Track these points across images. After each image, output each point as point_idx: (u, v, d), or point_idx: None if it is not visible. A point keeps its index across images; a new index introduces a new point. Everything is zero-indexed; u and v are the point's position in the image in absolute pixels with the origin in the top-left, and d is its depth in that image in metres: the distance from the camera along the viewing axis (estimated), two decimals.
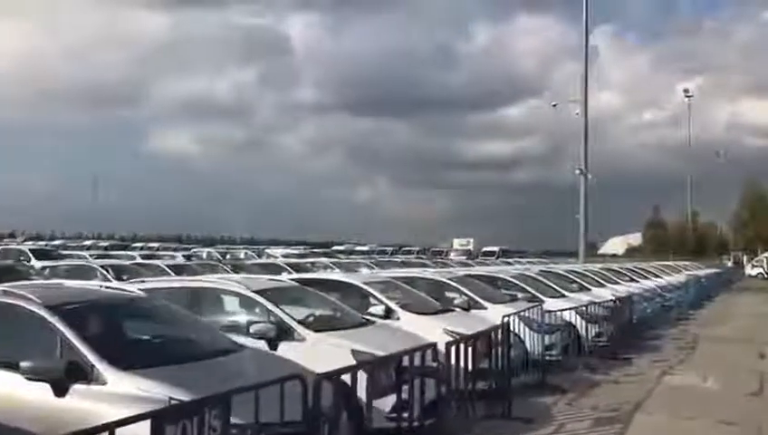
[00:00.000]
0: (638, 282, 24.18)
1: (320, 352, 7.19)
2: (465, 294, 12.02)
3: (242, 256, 39.18)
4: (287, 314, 7.83)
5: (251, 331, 7.46)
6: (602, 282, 20.44)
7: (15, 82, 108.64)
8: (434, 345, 7.21)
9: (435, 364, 7.08)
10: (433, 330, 9.11)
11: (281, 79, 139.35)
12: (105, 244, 56.58)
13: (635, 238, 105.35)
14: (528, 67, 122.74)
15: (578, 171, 47.96)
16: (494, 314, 10.96)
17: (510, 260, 46.61)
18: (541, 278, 16.46)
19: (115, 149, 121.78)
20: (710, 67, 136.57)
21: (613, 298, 15.72)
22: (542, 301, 14.07)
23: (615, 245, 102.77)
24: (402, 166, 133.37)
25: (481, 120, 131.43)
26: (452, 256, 62.67)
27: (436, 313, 10.41)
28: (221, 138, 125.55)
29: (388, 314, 9.68)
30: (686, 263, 42.27)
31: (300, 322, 7.86)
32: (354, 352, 7.22)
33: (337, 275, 14.39)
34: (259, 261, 28.61)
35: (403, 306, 9.99)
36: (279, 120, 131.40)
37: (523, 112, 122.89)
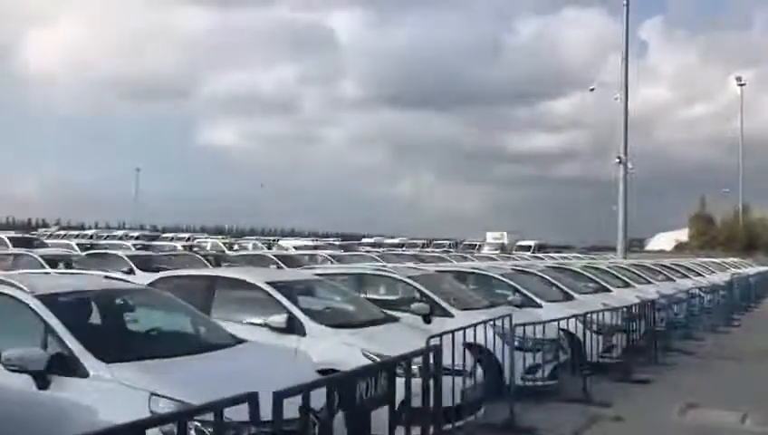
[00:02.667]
0: (674, 281, 21.06)
1: None
2: (428, 298, 9.27)
3: (250, 246, 36.97)
4: None
5: None
6: (629, 281, 17.44)
7: (72, 77, 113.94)
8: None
9: None
10: (337, 348, 6.52)
11: (325, 73, 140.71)
12: (136, 234, 56.88)
13: (684, 234, 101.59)
14: (573, 60, 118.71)
15: (617, 160, 45.11)
16: (453, 324, 8.21)
17: (540, 255, 43.90)
18: (547, 277, 13.59)
19: (164, 142, 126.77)
20: (762, 60, 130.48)
21: (634, 302, 12.81)
22: (538, 306, 11.32)
23: (663, 240, 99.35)
24: (445, 160, 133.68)
25: (525, 114, 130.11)
26: (485, 250, 60.36)
27: (355, 326, 7.63)
28: (266, 132, 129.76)
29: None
30: (734, 260, 38.62)
31: None
32: None
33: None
34: (244, 253, 26.34)
35: (310, 314, 7.28)
36: (323, 114, 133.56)
37: (569, 106, 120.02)
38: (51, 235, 67.26)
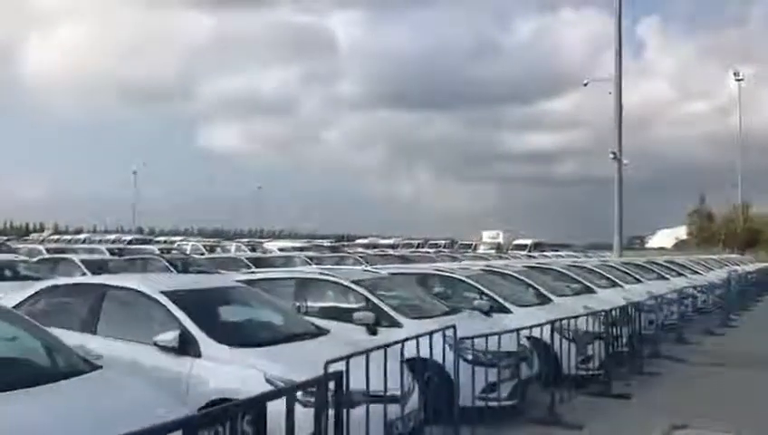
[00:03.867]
0: (667, 280, 19.86)
1: None
2: (373, 305, 8.08)
3: (233, 248, 35.73)
4: None
5: None
6: (617, 281, 16.26)
7: (72, 80, 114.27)
8: None
9: None
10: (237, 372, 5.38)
11: (324, 75, 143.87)
12: (129, 238, 56.64)
13: (684, 231, 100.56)
14: (571, 59, 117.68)
15: (611, 156, 44.01)
16: (401, 335, 7.03)
17: (534, 254, 42.82)
18: (523, 278, 12.40)
19: (164, 145, 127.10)
20: (760, 57, 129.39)
21: (619, 304, 11.63)
22: (508, 311, 10.14)
23: (663, 238, 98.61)
24: (445, 160, 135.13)
25: (523, 113, 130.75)
26: (480, 249, 59.45)
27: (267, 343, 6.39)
28: (266, 133, 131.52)
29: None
30: (733, 256, 37.42)
31: None
32: None
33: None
34: (214, 256, 25.12)
35: (210, 330, 6.07)
36: (322, 115, 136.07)
37: (567, 105, 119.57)
38: (44, 239, 67.04)
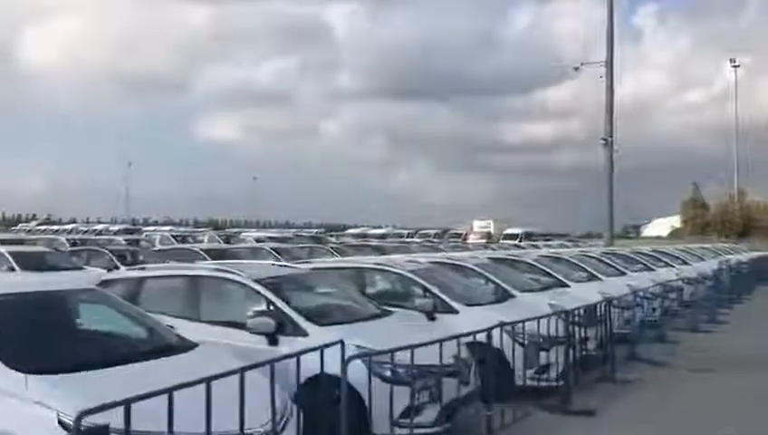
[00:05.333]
0: (653, 271, 18.50)
1: None
2: (276, 310, 6.69)
3: (206, 239, 34.30)
4: None
5: None
6: (595, 273, 14.89)
7: (68, 72, 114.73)
8: None
9: None
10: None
11: (322, 66, 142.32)
12: (116, 228, 56.59)
13: (679, 220, 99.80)
14: (568, 49, 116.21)
15: (602, 142, 42.75)
16: (300, 346, 5.66)
17: (521, 244, 41.63)
18: (484, 272, 11.01)
19: (160, 136, 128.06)
20: (756, 46, 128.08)
21: (596, 300, 10.29)
22: (454, 311, 8.75)
23: (659, 227, 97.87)
24: (442, 150, 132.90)
25: (521, 103, 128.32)
26: (470, 239, 58.61)
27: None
28: (264, 125, 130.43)
29: None
30: (726, 245, 36.05)
31: None
32: None
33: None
34: (164, 247, 23.74)
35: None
36: (319, 106, 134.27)
37: (564, 95, 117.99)
38: (30, 230, 66.39)
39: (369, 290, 9.02)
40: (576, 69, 48.29)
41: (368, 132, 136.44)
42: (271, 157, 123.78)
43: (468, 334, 6.84)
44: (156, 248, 22.05)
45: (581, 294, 11.68)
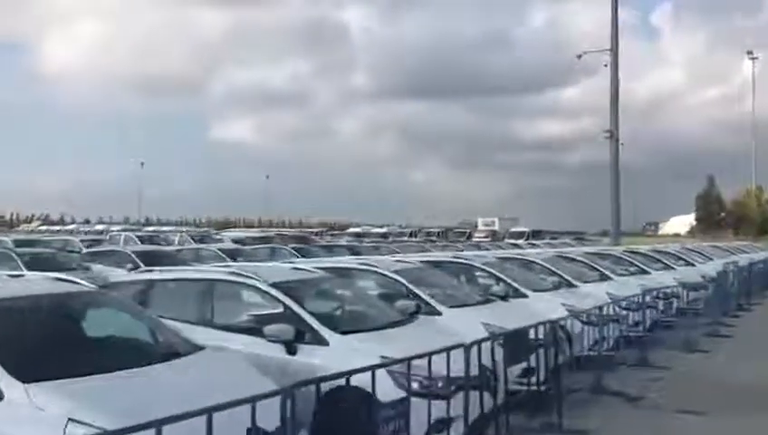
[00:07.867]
0: (647, 274, 16.07)
1: None
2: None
3: (176, 239, 32.19)
4: None
5: None
6: (571, 280, 12.41)
7: (88, 73, 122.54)
8: None
9: None
10: None
11: (337, 66, 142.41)
12: (117, 228, 57.05)
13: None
14: (583, 48, 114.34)
15: (607, 135, 40.56)
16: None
17: (519, 242, 39.52)
18: (425, 276, 8.70)
19: (177, 137, 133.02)
20: None
21: (549, 317, 7.89)
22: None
23: (677, 224, 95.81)
24: (456, 148, 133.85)
25: (535, 102, 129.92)
26: (475, 237, 57.45)
27: None
28: (279, 125, 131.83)
29: None
30: (739, 244, 33.36)
31: None
32: None
33: None
34: (103, 248, 21.71)
35: None
36: (334, 106, 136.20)
37: (578, 93, 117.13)
38: (32, 230, 66.39)
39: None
40: (579, 57, 46.00)
41: (382, 132, 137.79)
42: (286, 157, 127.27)
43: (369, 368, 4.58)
44: (93, 250, 19.97)
45: (540, 308, 9.35)
